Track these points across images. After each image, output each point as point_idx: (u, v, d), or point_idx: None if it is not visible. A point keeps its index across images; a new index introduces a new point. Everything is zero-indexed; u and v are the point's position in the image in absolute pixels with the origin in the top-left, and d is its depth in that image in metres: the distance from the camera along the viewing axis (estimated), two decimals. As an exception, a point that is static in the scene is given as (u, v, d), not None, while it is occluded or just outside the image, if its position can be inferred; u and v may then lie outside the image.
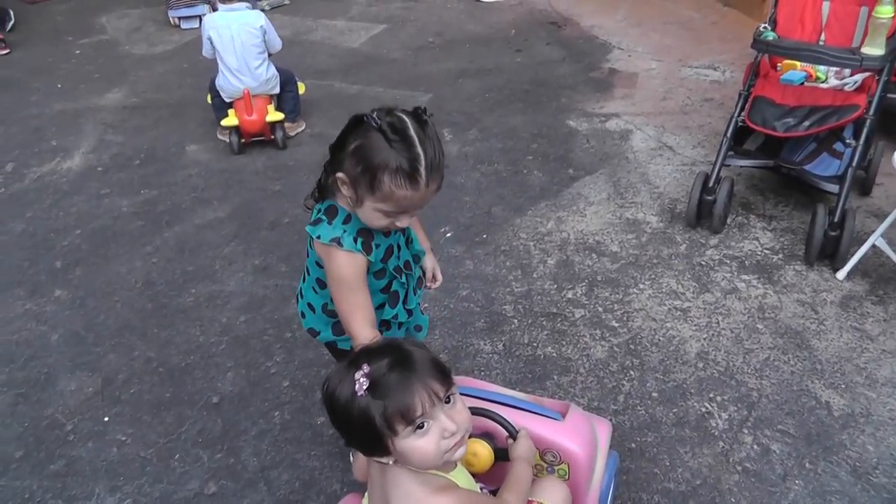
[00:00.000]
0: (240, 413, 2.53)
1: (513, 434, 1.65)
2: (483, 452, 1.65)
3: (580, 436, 1.75)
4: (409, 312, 1.87)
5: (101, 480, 2.33)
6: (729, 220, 3.33)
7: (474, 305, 2.96)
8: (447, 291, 3.03)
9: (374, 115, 1.52)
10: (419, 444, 1.29)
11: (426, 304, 2.95)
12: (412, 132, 1.51)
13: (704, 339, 2.72)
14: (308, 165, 4.10)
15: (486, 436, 1.69)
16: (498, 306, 2.95)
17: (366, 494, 1.54)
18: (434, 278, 2.06)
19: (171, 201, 3.86)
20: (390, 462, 1.34)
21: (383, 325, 1.83)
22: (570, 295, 2.99)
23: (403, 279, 1.79)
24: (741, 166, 3.41)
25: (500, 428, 1.66)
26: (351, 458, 2.32)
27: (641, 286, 3.01)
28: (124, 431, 2.49)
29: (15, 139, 4.66)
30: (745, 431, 2.35)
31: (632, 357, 2.66)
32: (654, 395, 2.50)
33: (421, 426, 1.29)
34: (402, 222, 1.62)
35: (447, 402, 1.33)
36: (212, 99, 4.39)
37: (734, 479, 2.20)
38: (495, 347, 2.75)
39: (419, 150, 1.50)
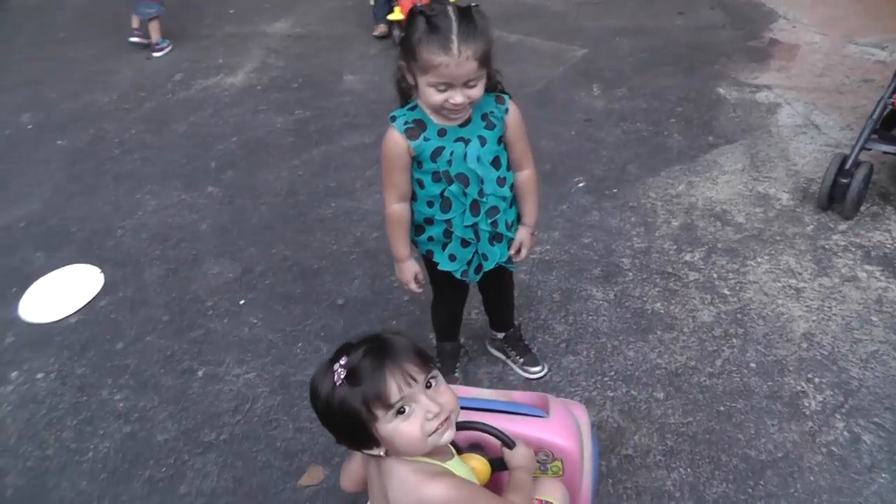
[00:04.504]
0: (361, 317, 2.77)
1: (509, 445, 1.58)
2: (479, 467, 1.59)
3: (568, 430, 1.74)
4: (476, 233, 2.03)
5: (231, 352, 2.64)
6: (862, 208, 3.22)
7: (593, 254, 3.06)
8: (570, 237, 3.15)
9: (422, 5, 1.75)
10: (403, 427, 1.29)
11: (548, 247, 3.08)
12: (450, 13, 1.71)
13: (813, 321, 2.70)
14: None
15: (477, 447, 1.63)
16: (616, 258, 3.04)
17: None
18: (518, 252, 2.15)
19: (322, 123, 4.13)
20: (381, 453, 1.34)
21: (446, 235, 2.04)
22: (687, 257, 3.03)
23: (455, 189, 1.94)
24: (885, 153, 3.22)
25: (488, 438, 1.60)
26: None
27: (759, 259, 3.00)
28: (256, 315, 2.79)
29: (185, 54, 5.13)
30: (838, 417, 2.34)
31: (737, 326, 2.69)
32: (752, 365, 2.53)
33: (402, 410, 1.29)
34: (455, 98, 1.76)
35: (428, 387, 1.33)
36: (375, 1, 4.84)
37: (817, 459, 2.21)
38: (606, 295, 2.85)
39: (453, 22, 1.70)
